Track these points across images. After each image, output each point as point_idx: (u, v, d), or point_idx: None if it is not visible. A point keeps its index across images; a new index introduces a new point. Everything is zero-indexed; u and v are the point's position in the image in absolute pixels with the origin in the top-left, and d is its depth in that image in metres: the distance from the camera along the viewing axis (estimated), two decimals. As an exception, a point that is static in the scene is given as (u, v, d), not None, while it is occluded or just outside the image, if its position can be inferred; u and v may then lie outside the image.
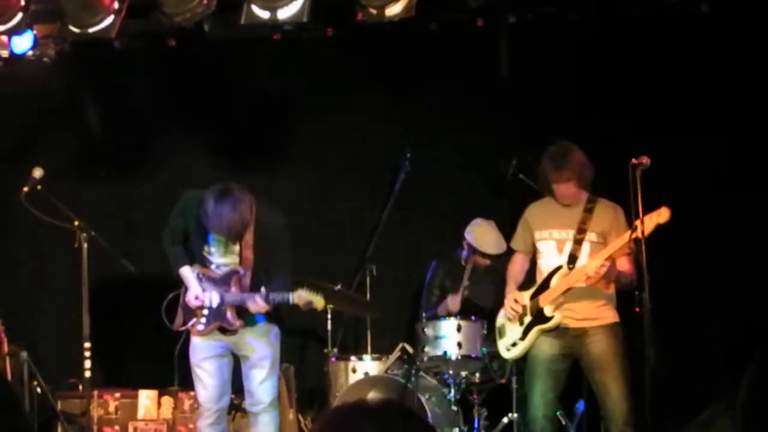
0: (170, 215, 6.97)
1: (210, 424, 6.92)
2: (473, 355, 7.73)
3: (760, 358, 3.15)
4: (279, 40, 8.47)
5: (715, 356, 7.76)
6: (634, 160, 6.53)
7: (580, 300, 6.83)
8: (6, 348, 7.84)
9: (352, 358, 8.02)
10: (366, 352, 8.11)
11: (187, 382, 7.43)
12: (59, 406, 8.03)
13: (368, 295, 8.21)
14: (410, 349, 7.89)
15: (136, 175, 9.04)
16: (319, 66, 8.80)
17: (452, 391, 7.72)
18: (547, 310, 6.86)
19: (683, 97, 8.24)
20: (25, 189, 6.99)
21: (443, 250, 8.49)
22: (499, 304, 7.27)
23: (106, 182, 9.02)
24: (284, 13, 6.95)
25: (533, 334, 6.94)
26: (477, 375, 7.82)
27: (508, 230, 8.25)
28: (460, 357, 7.70)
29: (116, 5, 7.18)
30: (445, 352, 7.70)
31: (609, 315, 6.86)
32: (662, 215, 6.47)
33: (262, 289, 6.69)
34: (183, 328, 6.91)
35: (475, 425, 7.80)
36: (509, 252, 7.43)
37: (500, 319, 7.19)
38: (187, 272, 6.87)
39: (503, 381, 7.78)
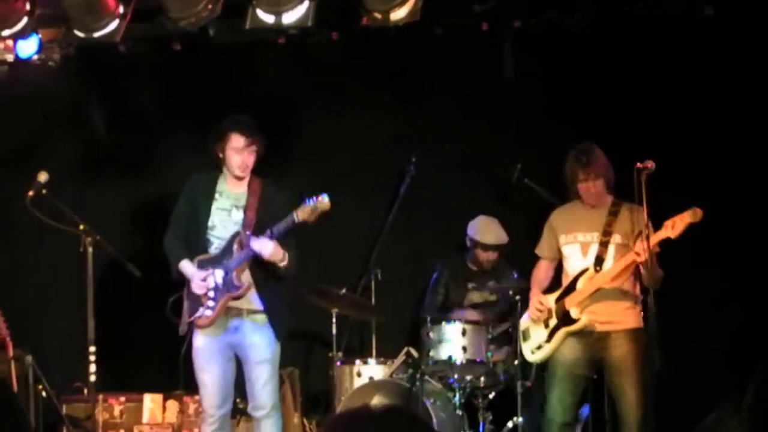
0: (175, 207, 7.02)
1: (214, 430, 6.93)
2: (478, 359, 7.73)
3: (764, 367, 3.15)
4: (284, 45, 8.49)
5: (720, 359, 7.74)
6: (639, 165, 6.54)
7: (605, 303, 6.81)
8: (11, 352, 7.84)
9: (357, 362, 8.01)
10: (371, 356, 8.10)
11: (192, 386, 7.43)
12: (64, 410, 8.05)
13: (373, 299, 8.21)
14: (415, 353, 7.88)
15: (141, 179, 9.04)
16: (323, 70, 8.81)
17: (457, 395, 7.72)
18: (574, 312, 6.84)
19: (687, 101, 8.24)
20: (30, 193, 6.99)
21: (449, 252, 8.51)
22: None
23: (111, 186, 9.03)
24: (289, 18, 6.97)
25: (559, 336, 6.92)
26: (482, 379, 7.82)
27: (512, 234, 8.29)
28: (465, 361, 7.70)
29: (121, 9, 7.20)
30: (450, 357, 7.70)
31: (633, 319, 6.83)
32: (696, 215, 6.47)
33: (266, 232, 6.69)
34: (190, 320, 6.88)
35: (480, 429, 7.79)
36: (515, 254, 7.44)
37: (524, 322, 7.18)
38: (186, 264, 6.89)
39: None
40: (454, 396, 7.73)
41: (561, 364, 6.95)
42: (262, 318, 6.89)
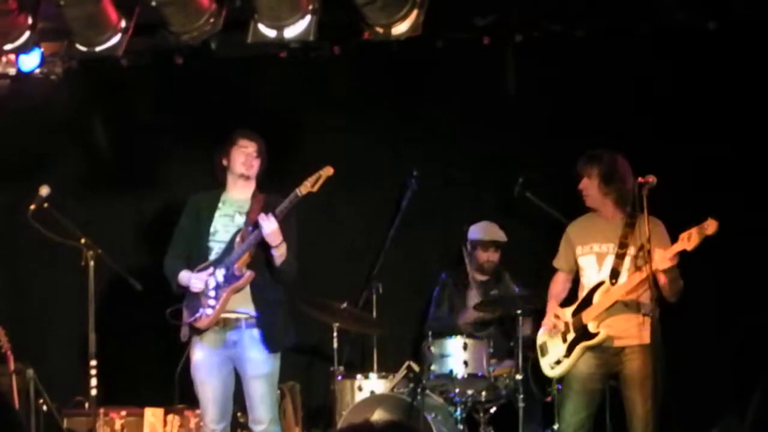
0: (176, 227, 7.03)
1: (213, 444, 6.93)
2: (479, 374, 7.72)
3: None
4: (285, 59, 8.50)
5: (724, 371, 7.74)
6: (640, 179, 6.54)
7: (620, 318, 6.78)
8: (12, 366, 7.85)
9: (358, 376, 8.00)
10: (372, 371, 8.09)
11: (189, 400, 7.43)
12: (65, 424, 8.05)
13: (374, 313, 8.20)
14: (416, 368, 7.88)
15: (142, 193, 9.05)
16: (325, 84, 8.82)
17: (458, 409, 7.72)
18: (592, 327, 6.80)
19: (691, 114, 8.24)
20: (32, 207, 7.00)
21: (452, 264, 8.52)
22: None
23: (112, 200, 9.03)
24: (291, 32, 6.96)
25: (578, 351, 6.88)
26: (483, 393, 7.81)
27: (514, 247, 8.30)
28: (466, 375, 7.70)
29: (123, 24, 7.20)
30: (451, 371, 7.70)
31: (648, 334, 6.78)
32: (710, 227, 6.45)
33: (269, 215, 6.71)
34: (191, 320, 6.85)
35: (482, 444, 7.80)
36: (514, 259, 7.43)
37: (541, 336, 7.13)
38: (185, 273, 6.90)
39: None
40: (456, 410, 7.72)
41: (576, 379, 6.91)
42: (259, 331, 6.89)
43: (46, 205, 7.02)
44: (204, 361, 6.91)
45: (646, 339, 6.76)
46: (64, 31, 7.35)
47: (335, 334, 8.00)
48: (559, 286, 7.15)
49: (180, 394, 8.07)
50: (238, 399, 7.04)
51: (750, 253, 8.01)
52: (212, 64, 8.53)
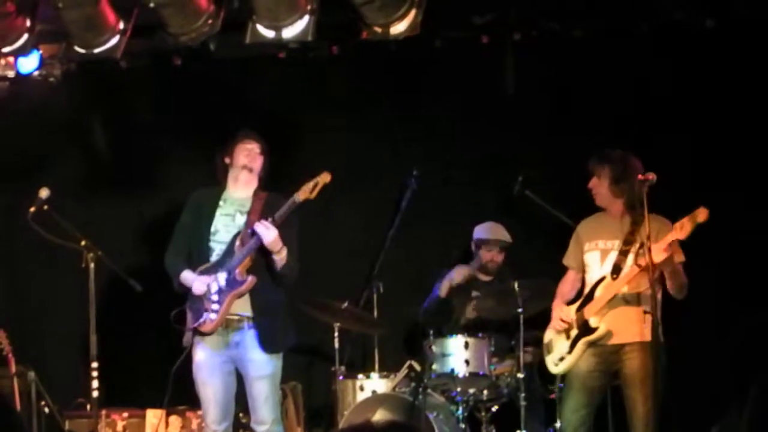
0: (177, 224, 7.04)
1: (215, 445, 6.94)
2: (481, 372, 7.73)
3: (764, 379, 3.15)
4: (284, 59, 8.51)
5: (724, 368, 7.74)
6: (640, 177, 6.54)
7: (623, 314, 6.78)
8: (14, 368, 7.86)
9: (360, 376, 8.00)
10: (373, 370, 8.09)
11: (195, 402, 7.42)
12: (67, 425, 8.05)
13: (375, 313, 8.20)
14: (418, 367, 7.88)
15: (142, 194, 9.05)
16: (324, 84, 8.82)
17: (460, 408, 7.72)
18: (593, 321, 6.81)
19: (690, 112, 8.25)
20: (32, 209, 6.99)
21: (456, 264, 8.52)
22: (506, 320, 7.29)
23: (112, 201, 9.03)
24: (289, 32, 6.96)
25: (580, 346, 6.89)
26: (485, 392, 7.81)
27: (514, 246, 8.30)
28: (467, 374, 7.70)
29: (122, 25, 7.19)
30: (452, 370, 7.70)
31: (649, 332, 6.78)
32: (701, 215, 6.46)
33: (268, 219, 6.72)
34: (195, 325, 6.86)
35: (484, 443, 7.80)
36: (519, 258, 7.43)
37: (548, 334, 7.14)
38: (188, 273, 6.90)
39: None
40: (457, 409, 7.72)
41: (576, 376, 6.93)
42: (261, 330, 6.89)
43: (45, 207, 7.01)
44: (206, 361, 6.91)
45: (647, 336, 6.75)
46: (62, 34, 7.35)
47: (336, 334, 8.01)
48: (567, 285, 7.15)
49: (175, 395, 8.05)
50: (240, 400, 7.04)
51: (750, 251, 8.01)
52: (211, 65, 8.54)
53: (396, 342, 8.43)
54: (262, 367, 6.88)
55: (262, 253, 6.83)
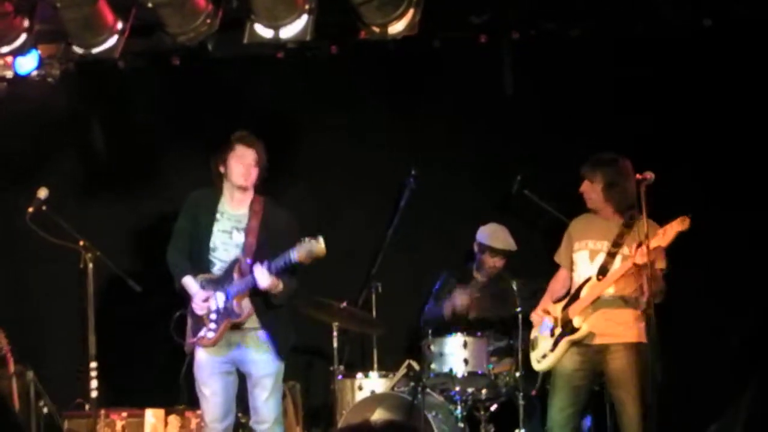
0: (176, 222, 7.04)
1: (216, 444, 6.94)
2: (479, 372, 7.72)
3: (761, 378, 3.16)
4: (282, 59, 8.50)
5: (722, 368, 7.75)
6: (638, 176, 6.56)
7: (607, 314, 6.82)
8: (12, 368, 7.86)
9: (359, 375, 8.01)
10: (372, 370, 8.09)
11: (194, 401, 7.43)
12: (66, 425, 8.04)
13: (374, 313, 8.20)
14: (416, 366, 7.88)
15: (140, 194, 9.04)
16: (322, 84, 8.81)
17: (459, 407, 7.72)
18: (576, 321, 6.86)
19: (687, 112, 8.25)
20: (30, 209, 6.99)
21: (455, 263, 8.52)
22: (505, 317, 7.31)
23: (111, 201, 9.02)
24: (287, 32, 6.95)
25: (562, 345, 6.94)
26: (483, 391, 7.81)
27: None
28: (466, 374, 7.70)
29: (120, 25, 7.19)
30: (451, 369, 7.70)
31: (634, 333, 6.81)
32: (683, 223, 6.49)
33: (265, 263, 6.70)
34: (194, 340, 6.90)
35: (482, 442, 7.80)
36: (521, 261, 7.44)
37: (534, 331, 7.20)
38: (190, 281, 6.90)
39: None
40: (456, 409, 7.72)
41: (561, 375, 6.98)
42: (264, 335, 6.91)
43: (44, 207, 7.01)
44: (206, 361, 6.92)
45: (633, 338, 6.80)
46: (60, 33, 7.35)
47: (335, 333, 8.01)
48: (558, 283, 7.19)
49: (174, 394, 8.08)
50: (239, 400, 7.05)
51: (748, 251, 8.01)
52: (209, 64, 8.54)
53: (395, 342, 8.42)
54: (265, 367, 6.90)
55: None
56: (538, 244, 8.27)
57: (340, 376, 7.99)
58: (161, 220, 8.02)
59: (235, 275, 6.83)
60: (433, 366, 7.73)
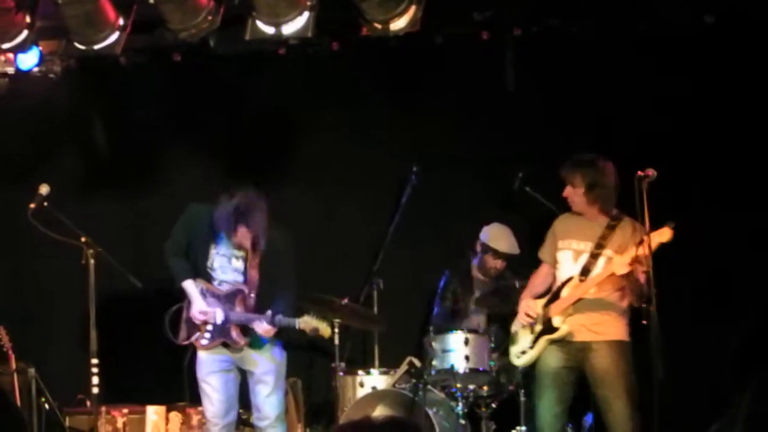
0: (174, 226, 7.03)
1: (219, 440, 6.95)
2: (481, 368, 7.72)
3: (761, 378, 3.15)
4: (284, 55, 8.49)
5: (723, 369, 7.72)
6: (639, 173, 6.56)
7: (587, 313, 6.86)
8: (14, 364, 7.87)
9: (360, 372, 8.01)
10: (373, 366, 8.09)
11: (195, 398, 7.43)
12: (67, 422, 8.05)
13: (375, 309, 8.20)
14: (418, 363, 7.87)
15: (142, 190, 9.04)
16: (324, 80, 8.80)
17: (460, 404, 7.71)
18: (556, 321, 6.90)
19: (688, 108, 8.23)
20: (32, 206, 7.01)
21: (455, 261, 8.51)
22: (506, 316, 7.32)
23: (112, 198, 9.02)
24: (289, 29, 6.95)
25: (541, 343, 6.98)
26: (485, 388, 7.81)
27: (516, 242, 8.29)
28: (467, 370, 7.69)
29: (121, 21, 7.19)
30: (452, 366, 7.69)
31: (616, 332, 6.86)
32: (663, 235, 6.50)
33: (268, 312, 6.71)
34: (187, 342, 6.92)
35: (484, 438, 7.80)
36: (522, 263, 7.45)
37: (515, 326, 7.23)
38: (191, 286, 6.90)
39: (511, 388, 7.76)
40: (457, 405, 7.71)
41: (546, 374, 6.99)
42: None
43: (46, 203, 7.02)
44: (206, 359, 6.94)
45: (615, 336, 6.84)
46: (62, 30, 7.35)
47: (336, 330, 7.99)
48: (539, 278, 7.22)
49: (176, 391, 8.08)
50: (243, 397, 7.06)
51: (747, 251, 8.00)
52: (211, 61, 8.53)
53: (396, 338, 8.41)
54: (266, 364, 6.91)
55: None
56: (538, 241, 8.25)
57: (341, 373, 7.98)
58: (162, 217, 8.02)
59: (238, 306, 6.86)
60: (434, 363, 7.73)
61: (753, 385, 3.20)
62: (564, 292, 6.92)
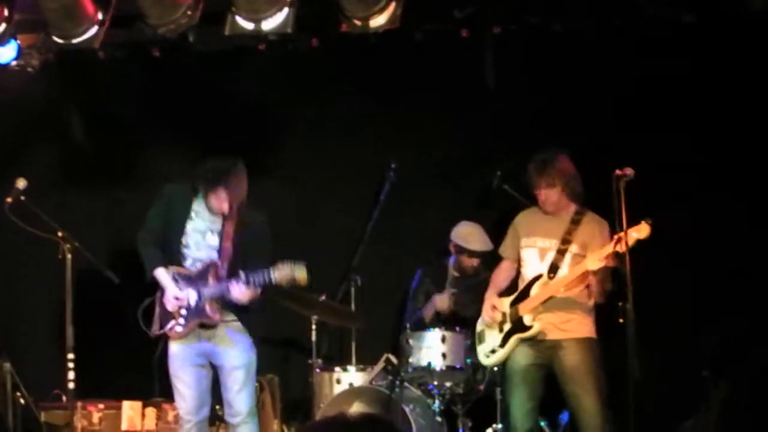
0: (148, 213, 7.01)
1: (191, 437, 6.93)
2: (458, 366, 7.72)
3: (733, 375, 3.17)
4: (263, 51, 8.48)
5: (698, 366, 7.76)
6: (618, 172, 6.56)
7: (556, 311, 6.89)
8: (-11, 359, 7.83)
9: (337, 368, 7.99)
10: (350, 363, 8.09)
11: (165, 393, 7.42)
12: (42, 417, 8.02)
13: (353, 306, 8.19)
14: (395, 360, 7.86)
15: (119, 186, 9.01)
16: (303, 77, 8.80)
17: (437, 401, 7.72)
18: (527, 319, 6.92)
19: (668, 107, 8.25)
20: (9, 200, 6.97)
21: (429, 259, 8.51)
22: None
23: (90, 192, 9.00)
24: (268, 25, 6.94)
25: (512, 342, 7.00)
26: (461, 386, 7.81)
27: (492, 240, 8.29)
28: (444, 368, 7.70)
29: (100, 16, 7.16)
30: (429, 363, 7.69)
31: (584, 329, 6.90)
32: (641, 231, 6.50)
33: (241, 273, 6.67)
34: (161, 331, 6.89)
35: (460, 436, 7.80)
36: (496, 257, 7.45)
37: (480, 324, 7.25)
38: (162, 274, 6.88)
39: (480, 387, 7.77)
40: (434, 402, 7.72)
41: (516, 372, 7.03)
42: (236, 324, 6.90)
43: (22, 198, 6.99)
44: (179, 353, 6.92)
45: (583, 333, 6.88)
46: (40, 23, 7.32)
47: (314, 326, 8.00)
48: (502, 275, 7.24)
49: (159, 384, 8.05)
50: (215, 391, 7.04)
51: (732, 249, 8.02)
52: (190, 56, 8.51)
53: (373, 335, 8.41)
54: (237, 359, 6.89)
55: (237, 260, 6.84)
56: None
57: (318, 370, 7.98)
58: (140, 212, 7.96)
59: (211, 279, 6.81)
60: (411, 360, 7.72)
61: (726, 383, 3.23)
62: (533, 291, 6.93)
